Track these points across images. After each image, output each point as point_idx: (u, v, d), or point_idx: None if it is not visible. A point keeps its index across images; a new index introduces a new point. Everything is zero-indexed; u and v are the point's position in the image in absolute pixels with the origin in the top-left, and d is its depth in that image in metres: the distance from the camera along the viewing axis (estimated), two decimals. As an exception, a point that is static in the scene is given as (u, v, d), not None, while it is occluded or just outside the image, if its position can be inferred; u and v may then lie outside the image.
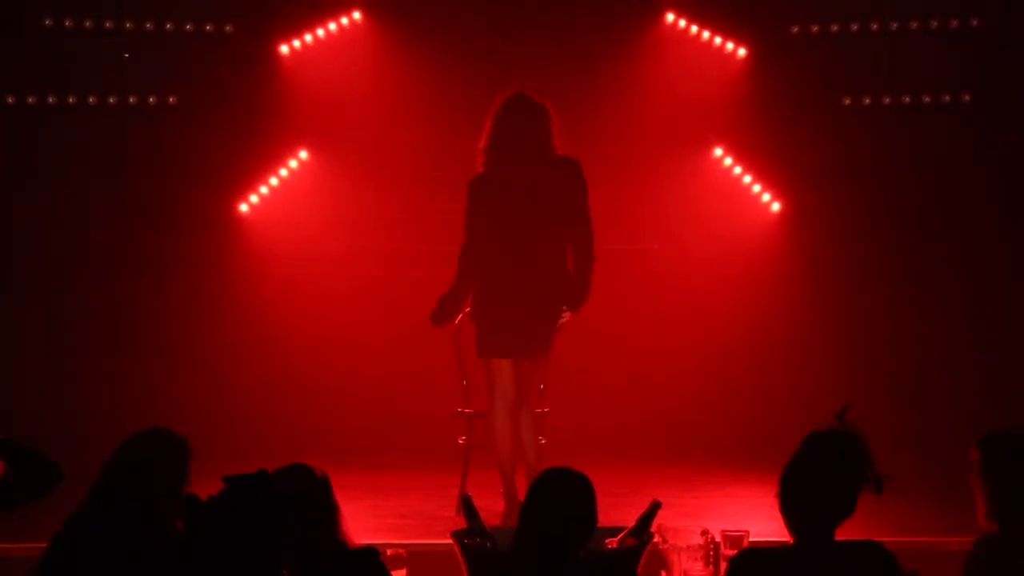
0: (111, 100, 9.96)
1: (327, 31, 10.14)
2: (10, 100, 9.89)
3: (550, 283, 6.95)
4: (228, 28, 10.02)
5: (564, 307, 6.97)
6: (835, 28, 10.08)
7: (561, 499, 4.18)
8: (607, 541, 4.97)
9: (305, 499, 4.23)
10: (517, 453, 7.10)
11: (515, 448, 7.10)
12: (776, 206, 10.04)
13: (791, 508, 3.95)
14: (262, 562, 3.65)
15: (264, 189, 10.06)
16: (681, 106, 9.93)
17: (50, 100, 9.91)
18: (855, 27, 10.06)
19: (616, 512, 6.78)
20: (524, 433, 7.01)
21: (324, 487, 4.34)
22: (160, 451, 4.50)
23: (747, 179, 10.08)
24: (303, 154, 10.14)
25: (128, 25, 9.91)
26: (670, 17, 10.16)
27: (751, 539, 5.09)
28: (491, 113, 7.00)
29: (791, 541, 3.97)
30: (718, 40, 10.12)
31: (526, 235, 6.90)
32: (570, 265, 6.99)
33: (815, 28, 10.09)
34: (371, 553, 4.28)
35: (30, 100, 9.90)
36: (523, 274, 6.91)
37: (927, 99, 10.04)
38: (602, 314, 7.93)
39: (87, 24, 9.89)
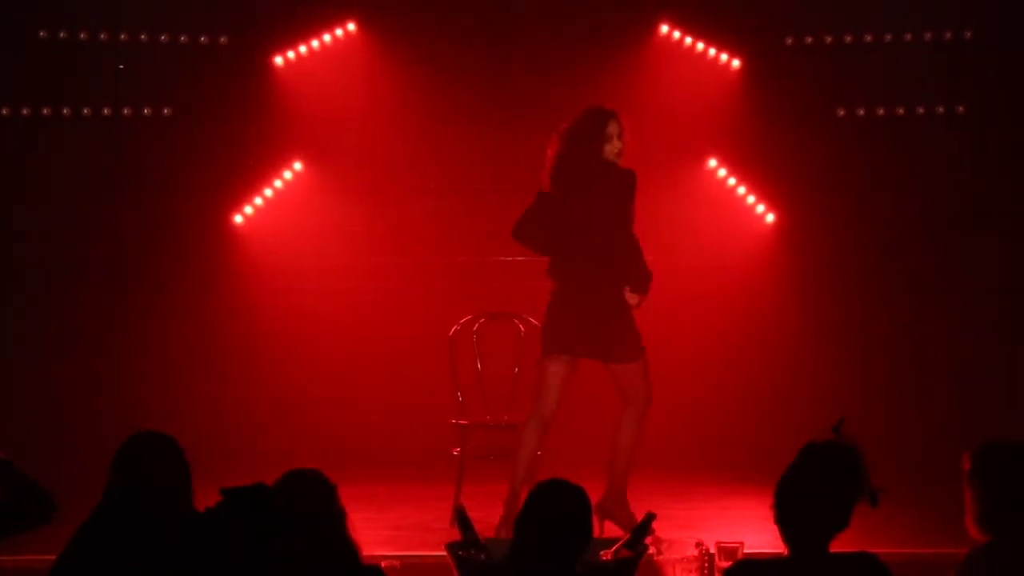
0: (105, 112, 9.96)
1: (322, 43, 10.15)
2: (5, 112, 9.89)
3: (615, 287, 6.90)
4: (223, 40, 10.03)
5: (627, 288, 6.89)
6: (829, 39, 10.10)
7: (556, 511, 4.17)
8: (602, 553, 4.97)
9: (312, 504, 4.21)
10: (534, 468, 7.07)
11: (533, 462, 7.04)
12: (770, 217, 10.05)
13: (786, 520, 3.94)
14: (260, 572, 3.66)
15: (258, 200, 10.07)
16: (675, 117, 9.92)
17: (44, 112, 9.91)
18: (849, 38, 10.07)
19: (611, 524, 6.81)
20: (622, 435, 6.94)
21: (332, 494, 4.33)
22: (151, 451, 4.45)
23: (741, 190, 10.10)
24: (297, 165, 10.14)
25: (123, 37, 9.92)
26: (664, 29, 10.17)
27: (746, 551, 5.09)
28: (560, 128, 6.97)
29: (786, 553, 3.97)
30: (712, 52, 10.14)
31: (589, 248, 6.86)
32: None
33: (809, 39, 10.10)
34: (375, 572, 4.25)
35: (24, 112, 9.90)
36: (595, 278, 6.85)
37: (921, 110, 10.07)
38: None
39: (82, 36, 9.89)
